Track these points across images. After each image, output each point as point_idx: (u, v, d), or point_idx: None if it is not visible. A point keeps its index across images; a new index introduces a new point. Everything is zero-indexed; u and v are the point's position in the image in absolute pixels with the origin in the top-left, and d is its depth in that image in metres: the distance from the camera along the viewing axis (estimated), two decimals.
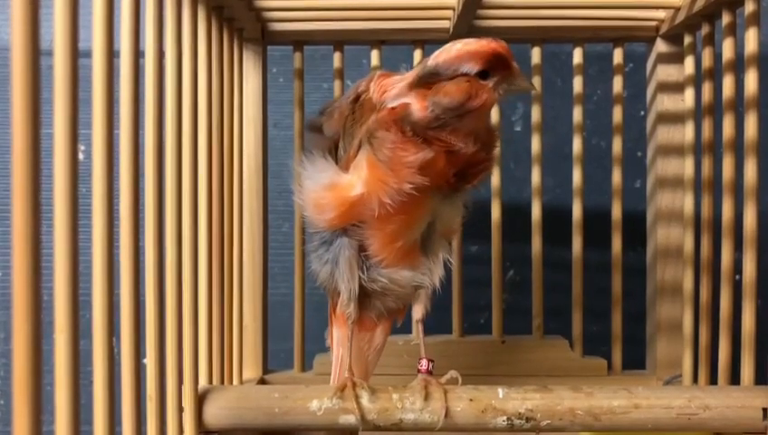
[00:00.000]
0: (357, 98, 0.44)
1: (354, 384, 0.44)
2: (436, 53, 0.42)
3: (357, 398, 0.44)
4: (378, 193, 0.42)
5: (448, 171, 0.42)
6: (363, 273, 0.46)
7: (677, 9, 0.58)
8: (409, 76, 0.43)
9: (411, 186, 0.41)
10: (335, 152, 0.45)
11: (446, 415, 0.43)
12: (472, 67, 0.41)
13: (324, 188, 0.44)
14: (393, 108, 0.42)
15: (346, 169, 0.44)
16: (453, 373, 0.46)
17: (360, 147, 0.43)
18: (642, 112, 0.75)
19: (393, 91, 0.43)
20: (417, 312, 0.48)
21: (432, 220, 0.45)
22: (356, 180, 0.42)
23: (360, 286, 0.46)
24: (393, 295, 0.47)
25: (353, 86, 0.46)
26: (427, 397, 0.44)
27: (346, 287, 0.46)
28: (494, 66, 0.41)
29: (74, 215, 0.30)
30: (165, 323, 0.41)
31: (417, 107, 0.41)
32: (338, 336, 0.50)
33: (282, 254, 0.73)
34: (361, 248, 0.45)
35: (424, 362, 0.47)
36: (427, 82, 0.42)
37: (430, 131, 0.41)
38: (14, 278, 0.26)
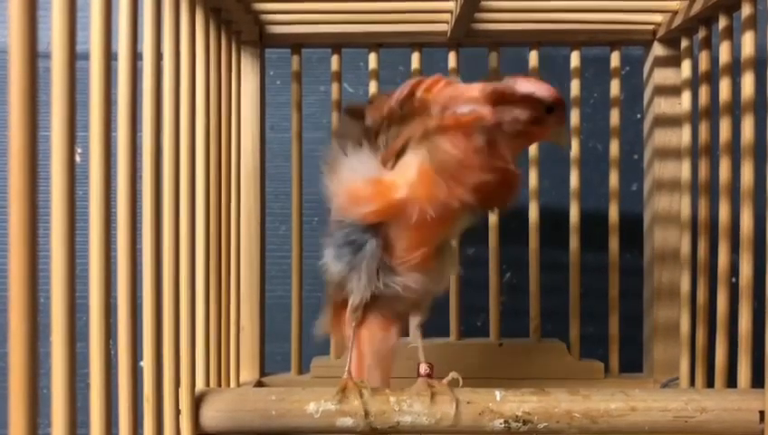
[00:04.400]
0: (411, 95, 0.43)
1: (356, 385, 0.44)
2: (511, 78, 0.44)
3: (361, 396, 0.44)
4: (423, 202, 0.41)
5: (494, 196, 0.43)
6: (378, 280, 0.45)
7: (674, 13, 0.58)
8: (478, 87, 0.43)
9: (459, 203, 0.41)
10: (373, 141, 0.44)
11: (455, 409, 0.44)
12: (546, 97, 0.43)
13: (366, 181, 0.43)
14: (462, 115, 0.41)
15: (383, 164, 0.43)
16: (454, 374, 0.46)
17: (405, 146, 0.42)
18: (639, 115, 0.75)
19: (462, 99, 0.42)
20: (417, 318, 0.49)
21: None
22: (402, 182, 0.42)
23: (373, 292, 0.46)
24: (403, 300, 0.47)
25: (408, 83, 0.44)
26: (433, 397, 0.44)
27: (360, 294, 0.46)
28: (557, 108, 0.44)
29: (71, 217, 0.30)
30: (162, 325, 0.41)
31: (488, 116, 0.42)
32: (358, 339, 0.49)
33: (279, 256, 0.73)
34: (384, 247, 0.45)
35: (423, 367, 0.47)
36: (500, 96, 0.42)
37: (495, 141, 0.42)
38: (10, 281, 0.26)
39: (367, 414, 0.43)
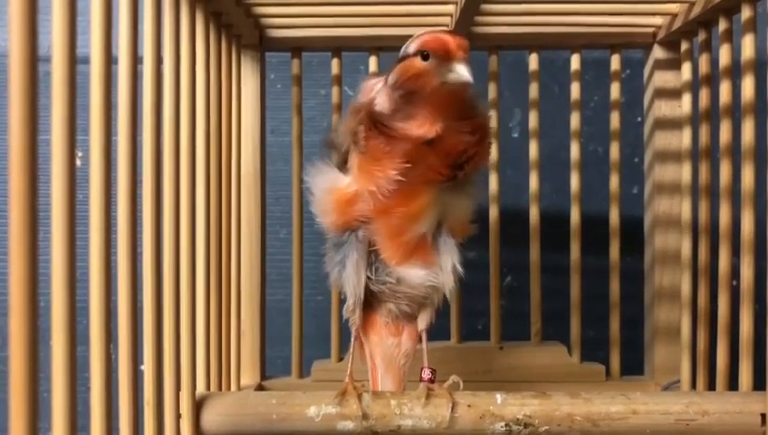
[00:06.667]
0: (357, 111, 0.45)
1: (355, 388, 0.44)
2: None
3: (360, 401, 0.44)
4: (366, 185, 0.43)
5: (436, 163, 0.43)
6: (372, 274, 0.46)
7: (674, 16, 0.59)
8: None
9: (396, 172, 0.42)
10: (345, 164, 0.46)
11: (452, 411, 0.44)
12: (413, 48, 0.42)
13: (326, 192, 0.46)
14: (363, 103, 0.44)
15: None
16: (454, 378, 0.46)
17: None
18: (639, 118, 0.75)
19: (376, 89, 0.45)
20: (422, 322, 0.48)
21: (441, 214, 0.46)
22: (351, 180, 0.45)
23: (371, 289, 0.46)
24: (405, 298, 0.47)
25: (353, 101, 0.47)
26: (428, 397, 0.44)
27: (352, 292, 0.46)
28: (433, 49, 0.42)
29: (72, 221, 0.30)
30: (162, 329, 0.41)
31: (383, 97, 0.43)
32: (370, 345, 0.50)
33: (279, 260, 0.73)
34: (372, 246, 0.46)
35: (427, 372, 0.47)
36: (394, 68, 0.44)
37: (389, 121, 0.42)
38: (11, 284, 0.26)
39: (365, 417, 0.43)
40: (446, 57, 0.41)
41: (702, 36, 0.56)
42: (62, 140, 0.29)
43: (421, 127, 0.42)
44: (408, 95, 0.42)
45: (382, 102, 0.43)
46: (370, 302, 0.48)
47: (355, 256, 0.46)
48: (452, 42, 0.41)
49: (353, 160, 0.44)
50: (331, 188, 0.46)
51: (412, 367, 0.50)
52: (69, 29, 0.29)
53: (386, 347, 0.49)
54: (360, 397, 0.44)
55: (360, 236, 0.46)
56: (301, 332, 0.64)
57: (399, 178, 0.42)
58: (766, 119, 0.50)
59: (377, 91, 0.44)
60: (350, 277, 0.46)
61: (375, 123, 0.43)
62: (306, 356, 0.64)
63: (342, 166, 0.46)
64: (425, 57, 0.42)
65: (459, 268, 0.46)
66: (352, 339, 0.48)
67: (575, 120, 0.64)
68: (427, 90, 0.42)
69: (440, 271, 0.46)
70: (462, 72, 0.41)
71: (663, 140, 0.64)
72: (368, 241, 0.46)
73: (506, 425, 0.44)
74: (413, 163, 0.42)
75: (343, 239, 0.46)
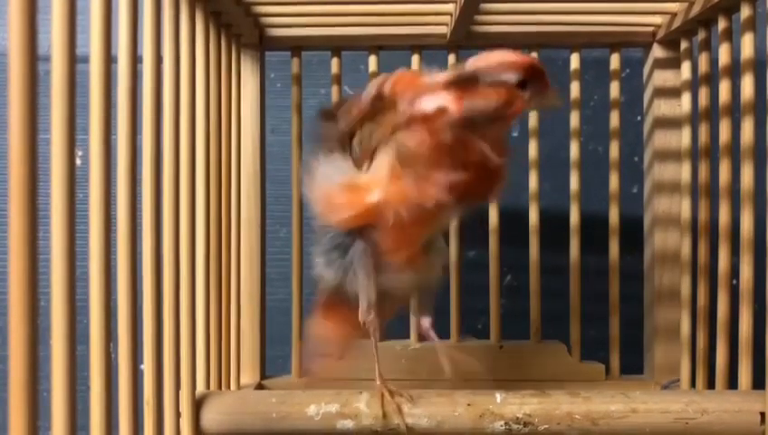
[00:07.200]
0: (378, 95, 0.43)
1: (392, 393, 0.44)
2: (474, 59, 0.42)
3: (400, 410, 0.43)
4: (397, 206, 0.40)
5: (474, 191, 0.42)
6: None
7: (674, 15, 0.59)
8: (441, 77, 0.42)
9: (434, 204, 0.40)
10: (348, 144, 0.44)
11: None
12: (512, 76, 0.40)
13: (340, 187, 0.43)
14: (428, 115, 0.40)
15: (359, 167, 0.43)
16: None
17: (377, 148, 0.42)
18: (639, 117, 0.75)
19: (426, 93, 0.41)
20: (426, 320, 0.48)
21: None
22: (375, 186, 0.41)
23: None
24: (390, 297, 0.47)
25: (374, 82, 0.44)
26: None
27: (365, 297, 0.45)
28: (532, 78, 0.41)
29: (71, 220, 0.30)
30: (162, 328, 0.41)
31: (454, 108, 0.40)
32: (313, 327, 0.49)
33: (279, 259, 0.73)
34: (372, 246, 0.44)
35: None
36: (464, 85, 0.41)
37: (467, 133, 0.40)
38: (10, 284, 0.26)
39: (409, 431, 0.43)
40: (542, 88, 0.41)
41: (701, 35, 0.56)
42: (62, 140, 0.29)
43: (492, 150, 0.41)
44: (488, 120, 0.40)
45: (454, 113, 0.40)
46: (344, 291, 0.46)
47: (365, 261, 0.44)
48: (544, 71, 0.41)
49: (385, 168, 0.41)
50: (348, 185, 0.42)
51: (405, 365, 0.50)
52: (69, 28, 0.29)
53: (331, 332, 0.48)
54: (399, 409, 0.44)
55: (369, 242, 0.44)
56: (301, 331, 0.64)
57: (434, 208, 0.41)
58: (766, 118, 0.50)
59: (434, 97, 0.41)
60: (363, 284, 0.45)
61: (454, 135, 0.40)
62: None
63: (343, 144, 0.44)
64: (522, 86, 0.41)
65: (447, 261, 0.46)
66: (373, 340, 0.47)
67: (575, 119, 0.64)
68: (510, 119, 0.41)
69: (427, 270, 0.46)
70: (557, 98, 0.41)
71: (662, 140, 0.64)
72: (371, 243, 0.44)
73: (506, 424, 0.44)
74: (455, 195, 0.40)
75: (346, 242, 0.45)
